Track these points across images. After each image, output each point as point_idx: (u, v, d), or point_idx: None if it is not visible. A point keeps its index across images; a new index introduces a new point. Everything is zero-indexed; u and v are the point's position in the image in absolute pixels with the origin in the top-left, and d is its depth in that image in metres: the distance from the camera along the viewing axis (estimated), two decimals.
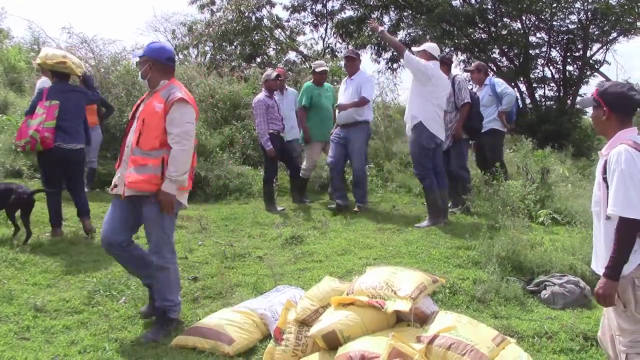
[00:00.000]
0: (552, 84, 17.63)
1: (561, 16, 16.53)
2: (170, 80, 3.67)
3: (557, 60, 17.57)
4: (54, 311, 3.90)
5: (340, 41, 19.96)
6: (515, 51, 17.38)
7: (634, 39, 16.41)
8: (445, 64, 6.44)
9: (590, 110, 3.02)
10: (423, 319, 3.10)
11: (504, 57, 17.83)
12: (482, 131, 6.79)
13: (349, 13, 19.16)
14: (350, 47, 19.52)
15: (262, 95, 7.04)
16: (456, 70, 21.42)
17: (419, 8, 17.46)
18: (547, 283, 4.31)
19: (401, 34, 18.49)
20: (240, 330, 3.46)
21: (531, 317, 3.89)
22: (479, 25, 17.44)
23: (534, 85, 17.52)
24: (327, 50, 19.66)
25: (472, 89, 7.19)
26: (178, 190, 3.57)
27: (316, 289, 3.34)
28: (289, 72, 13.31)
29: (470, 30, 17.61)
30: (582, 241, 4.98)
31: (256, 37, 19.34)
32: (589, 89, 16.92)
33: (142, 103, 3.72)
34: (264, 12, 19.39)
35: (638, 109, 2.67)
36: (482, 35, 17.93)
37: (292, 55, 20.51)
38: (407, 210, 6.93)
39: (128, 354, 3.35)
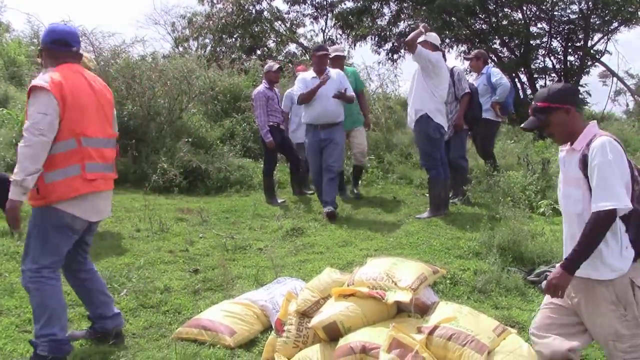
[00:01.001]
0: (553, 75, 17.60)
1: (562, 6, 16.49)
2: (58, 66, 3.00)
3: (558, 50, 17.55)
4: None
5: (341, 33, 19.92)
6: (516, 41, 17.33)
7: (635, 28, 16.39)
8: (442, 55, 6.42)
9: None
10: (424, 310, 3.10)
11: (505, 48, 17.78)
12: None
13: (349, 4, 19.13)
14: (350, 39, 19.53)
15: (262, 87, 7.02)
16: (456, 61, 21.46)
17: None
18: (547, 273, 4.29)
19: (401, 25, 18.44)
20: (241, 322, 3.46)
21: (532, 307, 3.88)
22: (480, 15, 17.37)
23: (535, 75, 17.48)
24: (327, 42, 19.59)
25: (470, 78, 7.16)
26: (67, 198, 2.96)
27: (317, 280, 3.33)
28: (289, 64, 13.28)
29: (471, 20, 17.55)
30: None
31: (256, 30, 19.31)
32: (590, 79, 16.91)
33: None
34: (264, 4, 19.41)
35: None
36: (483, 26, 17.87)
37: (292, 47, 20.52)
38: (408, 201, 6.92)
39: (129, 346, 3.35)
